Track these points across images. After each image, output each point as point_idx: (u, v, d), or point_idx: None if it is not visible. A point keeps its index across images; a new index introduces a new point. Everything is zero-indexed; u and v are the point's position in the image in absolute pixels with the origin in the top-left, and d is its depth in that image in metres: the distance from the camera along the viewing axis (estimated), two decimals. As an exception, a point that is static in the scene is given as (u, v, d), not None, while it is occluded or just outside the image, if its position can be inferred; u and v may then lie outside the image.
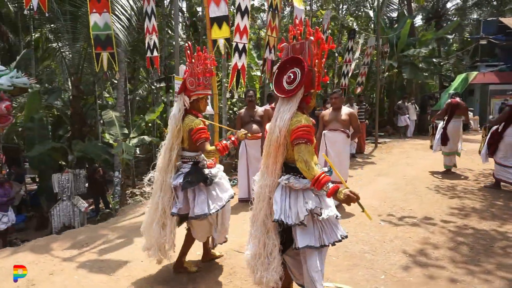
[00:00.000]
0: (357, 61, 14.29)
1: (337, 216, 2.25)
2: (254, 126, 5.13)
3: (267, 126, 2.39)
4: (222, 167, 3.22)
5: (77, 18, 8.75)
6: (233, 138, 2.99)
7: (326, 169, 2.35)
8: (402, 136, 13.53)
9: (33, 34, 12.42)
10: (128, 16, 8.14)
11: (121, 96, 9.33)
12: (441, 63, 22.20)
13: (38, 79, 10.86)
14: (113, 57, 6.14)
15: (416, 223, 4.34)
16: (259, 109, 5.15)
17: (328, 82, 10.51)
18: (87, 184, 9.03)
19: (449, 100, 7.02)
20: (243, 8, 6.16)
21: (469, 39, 21.71)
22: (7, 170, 9.99)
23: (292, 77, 2.20)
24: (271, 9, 6.74)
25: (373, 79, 14.64)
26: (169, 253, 3.06)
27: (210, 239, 3.26)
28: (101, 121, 10.09)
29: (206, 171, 2.97)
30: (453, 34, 21.35)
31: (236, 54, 6.36)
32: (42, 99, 9.95)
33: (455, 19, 22.15)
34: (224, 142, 2.94)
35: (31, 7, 6.18)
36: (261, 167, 2.33)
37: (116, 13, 8.12)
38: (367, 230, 4.11)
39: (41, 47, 13.51)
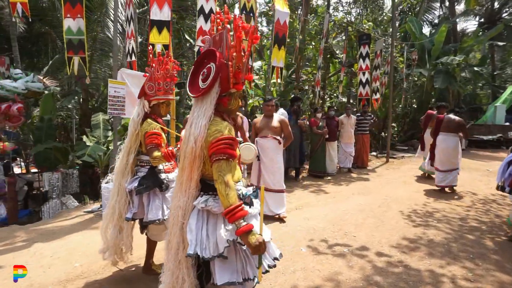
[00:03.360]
0: (382, 70, 13.26)
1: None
2: None
3: (182, 133, 2.03)
4: None
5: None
6: (179, 145, 2.83)
7: (251, 189, 1.95)
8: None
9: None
10: (121, 22, 8.30)
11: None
12: (495, 73, 20.06)
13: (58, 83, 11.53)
14: (84, 62, 6.23)
15: (343, 253, 3.71)
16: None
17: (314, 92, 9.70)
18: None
19: (427, 112, 8.03)
20: (206, 10, 5.92)
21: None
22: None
23: (206, 73, 1.81)
24: (244, 12, 6.41)
25: (399, 89, 13.46)
26: (125, 256, 3.05)
27: None
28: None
29: (163, 175, 2.89)
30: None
31: (201, 59, 6.12)
32: (58, 101, 10.56)
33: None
34: (171, 148, 2.79)
35: (18, 13, 6.55)
36: (175, 185, 1.92)
37: (111, 18, 8.35)
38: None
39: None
